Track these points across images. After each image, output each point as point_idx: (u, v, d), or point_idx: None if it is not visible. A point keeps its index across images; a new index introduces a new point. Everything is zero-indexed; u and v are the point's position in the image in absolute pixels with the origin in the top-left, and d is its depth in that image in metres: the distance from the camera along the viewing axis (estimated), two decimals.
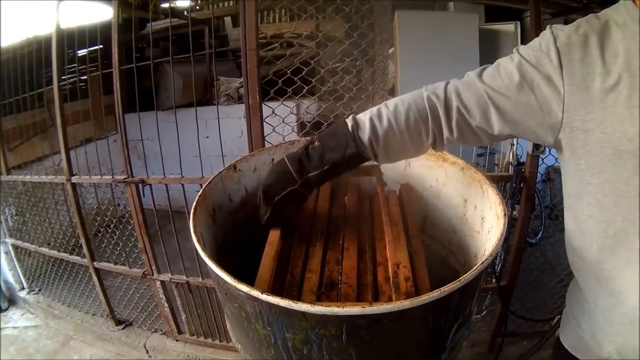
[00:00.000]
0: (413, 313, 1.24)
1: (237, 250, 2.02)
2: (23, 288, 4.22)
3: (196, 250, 1.49)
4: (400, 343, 1.38)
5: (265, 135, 2.55)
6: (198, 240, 1.51)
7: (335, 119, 2.62)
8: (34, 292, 4.08)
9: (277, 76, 2.51)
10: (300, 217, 1.93)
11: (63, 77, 3.36)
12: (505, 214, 1.56)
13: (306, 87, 2.57)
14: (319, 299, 1.53)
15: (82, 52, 3.49)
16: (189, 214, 1.67)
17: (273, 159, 2.08)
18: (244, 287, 1.27)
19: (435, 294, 1.22)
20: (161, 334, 3.31)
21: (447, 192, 1.97)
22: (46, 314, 3.74)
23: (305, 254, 1.73)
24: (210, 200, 1.78)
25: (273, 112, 2.51)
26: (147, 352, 3.24)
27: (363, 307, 1.20)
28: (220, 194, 1.86)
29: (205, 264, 1.44)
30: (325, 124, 2.59)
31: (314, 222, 1.90)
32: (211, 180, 1.80)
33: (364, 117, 1.54)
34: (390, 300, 1.53)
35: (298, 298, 1.53)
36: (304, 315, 1.24)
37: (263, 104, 2.47)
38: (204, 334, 3.13)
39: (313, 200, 2.02)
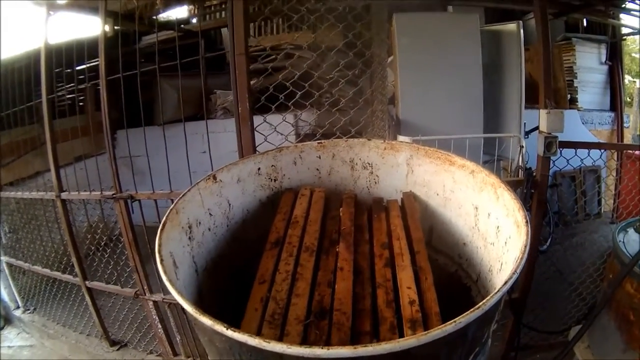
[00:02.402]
0: (421, 351, 0.93)
1: (223, 272, 1.72)
2: (18, 307, 3.98)
3: (158, 274, 1.18)
4: None
5: (257, 145, 2.27)
6: (162, 262, 1.21)
7: (332, 127, 2.34)
8: (29, 311, 3.85)
9: (275, 89, 2.25)
10: (287, 231, 1.62)
11: (59, 93, 3.15)
12: (527, 222, 1.26)
13: (306, 102, 2.30)
14: (305, 329, 1.22)
15: (81, 67, 3.30)
16: None
17: (259, 168, 1.79)
18: (206, 320, 0.98)
19: (449, 327, 0.93)
20: (156, 355, 3.04)
21: (456, 200, 1.67)
22: (41, 334, 3.52)
23: (293, 275, 1.41)
24: (185, 215, 1.49)
25: (264, 120, 2.24)
26: None
27: (355, 349, 0.89)
28: (198, 208, 1.58)
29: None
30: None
31: (303, 237, 1.59)
32: (186, 193, 1.52)
33: None
34: (392, 328, 1.22)
35: (282, 328, 1.23)
36: (281, 356, 0.93)
37: (256, 114, 2.20)
38: (200, 355, 2.84)
39: (304, 212, 1.70)
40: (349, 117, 2.55)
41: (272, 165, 1.82)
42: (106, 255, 3.10)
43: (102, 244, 3.21)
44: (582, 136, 4.51)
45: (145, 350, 3.04)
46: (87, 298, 3.08)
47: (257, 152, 2.23)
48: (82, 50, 2.64)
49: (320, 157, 1.87)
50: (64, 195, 2.87)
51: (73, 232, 2.96)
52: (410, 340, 0.91)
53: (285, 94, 2.41)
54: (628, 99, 5.58)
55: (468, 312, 0.98)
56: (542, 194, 2.22)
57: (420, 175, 1.78)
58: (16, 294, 4.02)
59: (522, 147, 2.68)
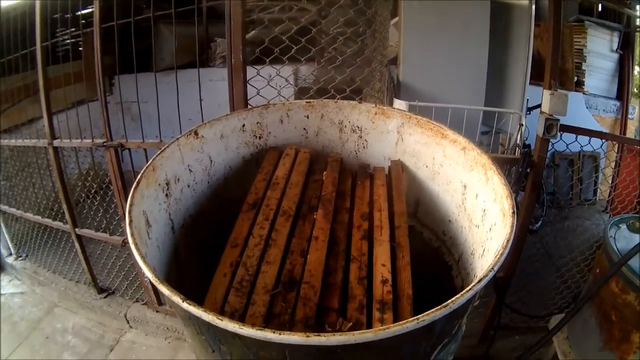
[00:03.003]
0: (380, 343, 0.87)
1: (202, 229, 1.66)
2: (11, 254, 3.97)
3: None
4: None
5: (249, 98, 2.14)
6: (130, 223, 1.13)
7: (329, 83, 2.19)
8: (21, 258, 3.84)
9: (274, 42, 2.08)
10: (267, 192, 1.53)
11: (58, 38, 2.97)
12: (514, 212, 1.17)
13: (305, 56, 2.13)
14: (272, 300, 1.16)
15: (82, 12, 3.10)
16: None
17: (244, 125, 1.68)
18: (165, 290, 0.92)
19: (410, 324, 0.86)
20: (142, 304, 3.06)
21: (445, 175, 1.57)
22: (32, 281, 3.53)
23: (266, 241, 1.34)
24: (163, 172, 1.41)
25: (257, 73, 2.08)
26: (128, 322, 3.00)
27: (307, 337, 0.83)
28: (177, 164, 1.49)
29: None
30: (326, 95, 2.15)
31: (282, 201, 1.50)
32: (164, 149, 1.42)
33: None
34: (361, 308, 1.16)
35: (249, 296, 1.17)
36: (236, 335, 0.88)
37: (254, 68, 2.05)
38: None
39: (286, 173, 1.61)
40: (348, 75, 2.39)
41: (258, 122, 1.71)
42: (96, 203, 3.05)
43: (93, 191, 3.14)
44: (585, 120, 4.30)
45: (132, 299, 3.06)
46: (77, 245, 3.06)
47: (249, 106, 2.10)
48: None
49: (308, 117, 1.75)
50: (56, 142, 2.77)
51: (64, 179, 2.89)
52: (367, 335, 0.84)
53: (281, 48, 2.25)
54: (635, 90, 5.31)
55: (433, 310, 0.91)
56: (538, 176, 2.11)
57: (410, 144, 1.66)
58: (9, 241, 3.99)
59: (522, 125, 2.53)
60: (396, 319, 1.15)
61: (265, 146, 1.75)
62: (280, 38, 2.25)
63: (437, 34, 2.81)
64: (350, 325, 1.12)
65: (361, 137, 1.75)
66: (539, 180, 2.15)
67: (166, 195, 1.44)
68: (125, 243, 2.67)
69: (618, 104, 5.13)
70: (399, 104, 2.51)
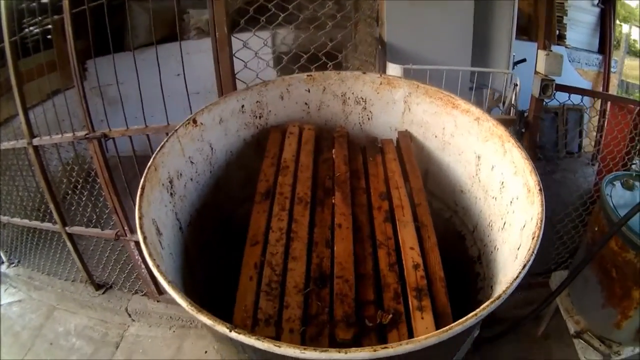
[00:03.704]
0: (443, 343, 0.83)
1: (208, 223, 1.54)
2: (2, 262, 3.70)
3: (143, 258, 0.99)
4: None
5: (236, 72, 1.94)
6: (145, 240, 1.02)
7: (317, 50, 2.02)
8: (13, 265, 3.59)
9: (249, 4, 1.86)
10: (278, 178, 1.42)
11: (25, 30, 2.61)
12: (541, 189, 1.11)
13: (282, 15, 1.91)
14: (306, 299, 1.09)
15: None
16: None
17: (243, 106, 1.54)
18: (206, 320, 0.83)
19: (470, 321, 0.83)
20: (142, 295, 2.94)
21: (456, 145, 1.50)
22: (28, 286, 3.33)
23: (287, 234, 1.25)
24: (165, 170, 1.27)
25: (244, 45, 1.89)
26: (130, 316, 2.89)
27: (374, 351, 0.78)
28: (178, 158, 1.35)
29: None
30: (305, 56, 1.99)
31: (295, 186, 1.40)
32: (164, 144, 1.28)
33: None
34: (397, 297, 1.11)
35: (281, 299, 1.09)
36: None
37: (233, 37, 1.84)
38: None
39: (294, 155, 1.50)
40: (326, 37, 2.20)
41: (257, 102, 1.56)
42: (84, 198, 2.83)
43: (79, 186, 2.90)
44: (569, 74, 4.26)
45: (131, 291, 2.93)
46: (69, 244, 2.86)
47: (241, 86, 1.92)
48: None
49: (309, 91, 1.61)
50: (35, 141, 2.48)
51: (48, 178, 2.63)
52: (431, 339, 0.80)
53: (255, 7, 2.03)
54: (615, 43, 5.29)
55: (487, 303, 0.88)
56: (534, 135, 2.07)
57: (418, 114, 1.57)
58: None
59: (517, 85, 2.46)
60: (433, 304, 1.12)
61: (266, 126, 1.61)
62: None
63: None
64: (390, 317, 1.07)
65: (365, 108, 1.63)
66: (535, 138, 2.12)
67: (171, 194, 1.31)
68: (118, 236, 2.51)
69: (600, 57, 5.12)
70: (392, 68, 2.38)
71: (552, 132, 4.16)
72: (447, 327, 0.80)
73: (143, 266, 2.59)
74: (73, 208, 2.97)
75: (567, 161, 4.14)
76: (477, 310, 0.84)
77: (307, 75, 1.57)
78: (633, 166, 2.47)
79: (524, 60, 3.10)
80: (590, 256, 1.73)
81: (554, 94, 1.95)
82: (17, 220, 3.14)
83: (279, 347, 0.77)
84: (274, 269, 1.15)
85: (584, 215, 2.42)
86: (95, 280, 3.03)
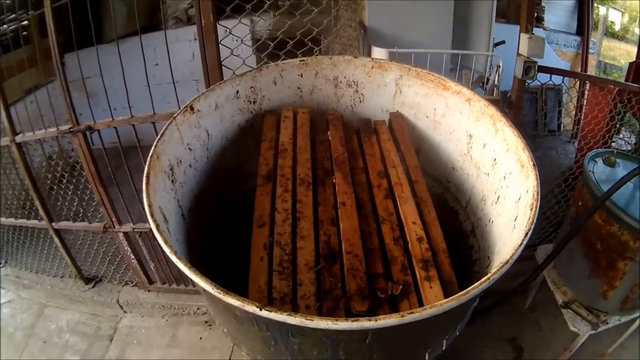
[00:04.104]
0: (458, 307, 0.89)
1: (206, 208, 1.55)
2: None
3: (160, 247, 1.01)
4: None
5: (222, 59, 1.94)
6: (158, 229, 1.04)
7: (302, 36, 2.04)
8: (0, 265, 3.47)
9: None
10: (277, 161, 1.45)
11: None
12: (534, 164, 1.19)
13: (267, 2, 1.92)
14: (317, 276, 1.14)
15: None
16: (143, 154, 1.18)
17: (238, 91, 1.55)
18: (234, 301, 0.86)
19: (484, 284, 0.90)
20: (132, 285, 2.91)
21: (447, 125, 1.57)
22: (17, 286, 3.25)
23: (293, 214, 1.29)
24: (166, 157, 1.29)
25: (229, 32, 1.88)
26: (121, 307, 2.87)
27: (402, 317, 0.83)
28: (178, 145, 1.36)
29: None
30: (291, 42, 2.00)
31: (295, 168, 1.44)
32: (164, 132, 1.29)
33: None
34: (404, 269, 1.17)
35: (294, 277, 1.13)
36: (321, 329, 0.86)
37: (218, 24, 1.84)
38: (175, 280, 2.74)
39: (290, 138, 1.53)
40: (310, 20, 2.23)
41: (251, 87, 1.58)
42: (69, 193, 2.76)
43: (65, 180, 2.83)
44: (547, 55, 4.42)
45: (121, 282, 2.90)
46: (56, 240, 2.79)
47: (227, 73, 1.92)
48: None
49: (302, 76, 1.65)
50: (18, 138, 2.40)
51: (33, 174, 2.55)
52: (451, 302, 0.86)
53: None
54: (593, 25, 5.49)
55: (497, 267, 0.95)
56: (518, 115, 2.18)
57: (409, 96, 1.63)
58: None
59: (499, 67, 2.57)
60: (439, 274, 1.18)
61: (260, 111, 1.64)
62: None
63: None
64: (400, 288, 1.13)
65: (357, 91, 1.68)
66: (519, 118, 2.23)
67: (172, 181, 1.33)
68: (106, 228, 2.47)
69: (578, 39, 5.31)
70: (378, 51, 2.43)
71: (532, 111, 4.33)
72: (465, 291, 0.87)
73: (133, 256, 2.58)
74: (59, 203, 2.91)
75: (548, 139, 4.32)
76: (490, 274, 0.91)
77: (300, 61, 1.60)
78: (613, 144, 2.62)
79: (503, 42, 3.23)
80: (576, 229, 1.84)
81: (536, 75, 2.06)
82: (2, 219, 3.05)
83: (312, 320, 0.81)
84: (284, 248, 1.19)
85: (567, 191, 2.56)
86: (84, 274, 3.01)
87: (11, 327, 2.87)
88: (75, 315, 2.87)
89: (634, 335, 2.21)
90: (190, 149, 1.42)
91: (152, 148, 1.24)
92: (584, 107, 3.33)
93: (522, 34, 2.01)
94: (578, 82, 2.88)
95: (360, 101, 1.71)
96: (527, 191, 1.18)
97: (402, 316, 0.82)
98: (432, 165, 1.69)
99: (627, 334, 2.21)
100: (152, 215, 1.08)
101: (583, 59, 5.17)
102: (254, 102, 1.61)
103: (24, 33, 2.85)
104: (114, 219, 2.43)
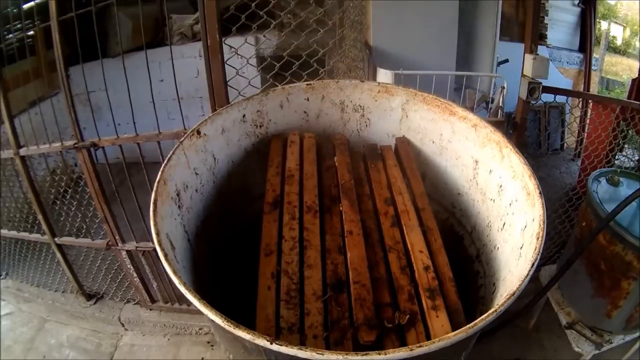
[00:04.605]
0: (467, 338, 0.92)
1: (212, 233, 1.58)
2: None
3: (166, 272, 1.03)
4: None
5: (227, 79, 1.98)
6: (166, 258, 1.06)
7: (308, 56, 2.08)
8: (1, 277, 3.49)
9: (238, 10, 1.90)
10: (284, 187, 1.48)
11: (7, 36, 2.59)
12: (541, 192, 1.22)
13: (273, 22, 1.96)
14: (325, 305, 1.16)
15: (28, 5, 2.68)
16: (146, 170, 1.20)
17: (244, 115, 1.58)
18: (245, 335, 0.88)
19: (491, 316, 0.92)
20: (134, 303, 2.93)
21: (453, 150, 1.60)
22: (17, 299, 3.27)
23: (300, 242, 1.31)
24: (173, 183, 1.31)
25: (235, 52, 1.93)
26: (123, 325, 2.88)
27: (410, 350, 0.85)
28: (184, 170, 1.39)
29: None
30: (297, 62, 2.04)
31: (302, 195, 1.46)
32: (171, 156, 1.31)
33: None
34: (411, 298, 1.19)
35: (301, 306, 1.15)
36: None
37: (228, 44, 1.88)
38: (177, 299, 2.75)
39: (297, 163, 1.56)
40: (309, 41, 2.27)
41: (258, 111, 1.62)
42: (72, 208, 2.80)
43: (68, 196, 2.87)
44: (550, 74, 4.47)
45: (123, 300, 2.92)
46: (58, 255, 2.81)
47: (232, 93, 1.95)
48: None
49: (308, 99, 1.68)
50: (22, 151, 2.43)
51: (36, 188, 2.58)
52: (460, 335, 0.88)
53: (246, 15, 2.07)
54: (595, 40, 5.58)
55: (504, 299, 0.97)
56: (522, 136, 2.22)
57: (415, 121, 1.66)
58: None
59: (504, 88, 2.61)
60: (445, 303, 1.21)
61: (267, 134, 1.67)
62: (244, 5, 2.08)
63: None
64: (407, 317, 1.15)
65: (363, 115, 1.71)
66: (523, 140, 2.26)
67: (179, 207, 1.35)
68: (109, 246, 2.49)
69: (581, 56, 5.39)
70: (384, 73, 2.47)
71: (535, 130, 4.38)
72: (472, 324, 0.89)
73: (135, 275, 2.59)
74: (62, 218, 2.93)
75: (552, 158, 4.36)
76: (497, 306, 0.93)
77: (307, 84, 1.64)
78: (616, 161, 2.65)
79: (506, 60, 3.28)
80: (580, 250, 1.87)
81: (541, 96, 2.10)
82: (4, 231, 3.07)
83: (322, 354, 0.83)
84: (291, 277, 1.21)
85: (570, 211, 2.58)
86: (86, 290, 3.02)
87: (10, 339, 2.88)
88: (75, 331, 2.88)
89: (638, 353, 2.24)
90: (196, 173, 1.45)
91: (159, 173, 1.26)
92: (587, 126, 3.37)
93: (526, 55, 2.05)
94: (581, 101, 2.93)
95: (367, 126, 1.75)
96: (534, 220, 1.20)
97: (411, 349, 0.84)
98: (438, 190, 1.72)
99: (631, 352, 2.22)
100: (159, 244, 1.10)
101: (586, 76, 5.24)
102: (261, 126, 1.64)
103: (30, 43, 2.89)
104: (117, 237, 2.45)
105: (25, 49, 2.53)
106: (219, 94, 1.99)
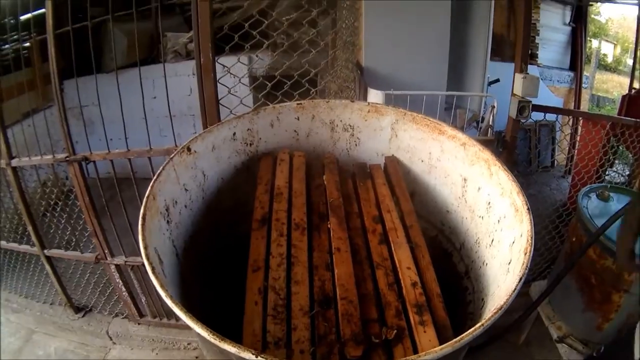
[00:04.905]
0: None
1: (201, 248, 1.59)
2: None
3: (154, 286, 1.04)
4: None
5: (219, 98, 2.03)
6: (153, 271, 1.07)
7: (299, 76, 2.13)
8: None
9: (231, 29, 1.97)
10: (273, 205, 1.50)
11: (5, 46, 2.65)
12: (529, 208, 1.25)
13: (265, 42, 2.02)
14: (312, 321, 1.17)
15: (25, 17, 2.75)
16: (137, 185, 1.22)
17: (234, 133, 1.62)
18: (230, 348, 0.89)
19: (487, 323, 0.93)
20: (122, 317, 2.93)
21: (442, 169, 1.64)
22: (5, 309, 3.28)
23: (288, 258, 1.33)
24: (162, 198, 1.33)
25: (228, 71, 1.98)
26: (111, 339, 2.87)
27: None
28: (174, 186, 1.41)
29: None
30: (289, 82, 2.09)
31: (290, 212, 1.49)
32: (161, 172, 1.34)
33: None
34: (398, 314, 1.21)
35: (288, 322, 1.17)
36: None
37: (221, 63, 1.94)
38: (166, 314, 2.76)
39: (286, 182, 1.59)
40: (302, 61, 2.33)
41: (248, 129, 1.65)
42: (62, 221, 2.82)
43: (58, 209, 2.88)
44: (541, 92, 4.60)
45: (111, 314, 2.92)
46: (47, 267, 2.83)
47: (224, 111, 2.00)
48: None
49: (299, 119, 1.72)
50: (14, 162, 2.46)
51: (27, 199, 2.61)
52: (446, 349, 0.91)
53: (240, 34, 2.14)
54: (586, 59, 5.75)
55: (492, 314, 0.99)
56: (512, 154, 2.27)
57: (405, 140, 1.71)
58: None
59: (494, 107, 2.68)
60: (433, 319, 1.22)
61: (257, 153, 1.70)
62: (238, 25, 2.14)
63: (398, 17, 2.82)
64: (394, 332, 1.17)
65: (353, 135, 1.75)
66: (513, 159, 2.31)
67: (167, 222, 1.37)
68: (98, 259, 2.50)
69: (572, 74, 5.52)
70: (374, 94, 2.53)
71: (526, 148, 4.45)
72: (459, 337, 0.91)
73: (124, 289, 2.60)
74: (52, 230, 2.95)
75: (542, 176, 4.43)
76: (484, 320, 0.95)
77: (297, 104, 1.68)
78: (606, 177, 2.71)
79: (497, 80, 3.36)
80: (571, 265, 1.90)
81: (530, 114, 2.16)
82: None
83: None
84: (278, 293, 1.23)
85: (560, 227, 2.62)
86: (74, 303, 3.03)
87: None
88: (63, 343, 2.88)
89: None
90: (186, 189, 1.48)
91: (149, 189, 1.29)
92: (577, 143, 3.44)
93: (516, 74, 2.11)
94: (571, 119, 3.00)
95: (356, 145, 1.78)
96: (522, 235, 1.23)
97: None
98: (427, 208, 1.75)
99: None
100: (147, 258, 1.12)
101: (576, 94, 5.36)
102: (251, 144, 1.68)
103: (25, 54, 2.93)
104: (106, 251, 2.47)
105: (20, 60, 2.58)
106: (210, 112, 2.03)
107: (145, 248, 1.14)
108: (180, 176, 1.44)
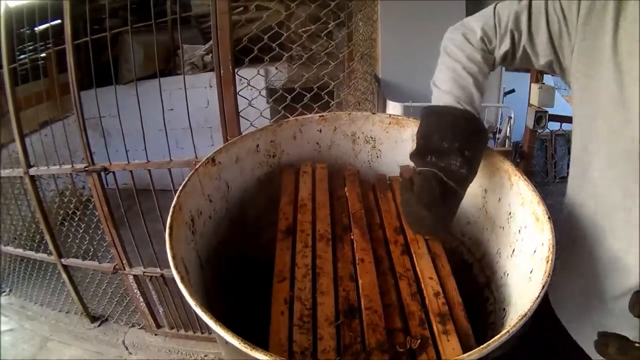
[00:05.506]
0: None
1: (223, 259, 1.65)
2: None
3: (180, 295, 1.09)
4: None
5: (239, 110, 2.10)
6: (182, 280, 1.12)
7: (318, 89, 2.20)
8: (5, 294, 3.61)
9: (250, 42, 2.05)
10: (297, 216, 1.56)
11: (21, 57, 2.77)
12: (549, 217, 1.28)
13: (285, 54, 2.11)
14: (338, 330, 1.21)
15: (42, 27, 2.89)
16: (157, 197, 1.28)
17: (258, 145, 1.68)
18: (262, 356, 0.93)
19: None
20: (139, 328, 3.00)
21: None
22: (20, 316, 3.36)
23: (313, 269, 1.38)
24: (187, 209, 1.39)
25: (248, 83, 2.06)
26: (127, 349, 2.92)
27: None
28: (199, 197, 1.47)
29: None
30: (308, 95, 2.17)
31: (315, 223, 1.54)
32: (186, 183, 1.40)
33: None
34: (422, 323, 1.25)
35: (314, 331, 1.21)
36: None
37: (240, 75, 2.02)
38: (183, 326, 2.82)
39: (310, 193, 1.64)
40: (318, 73, 2.40)
41: (272, 141, 1.72)
42: (80, 230, 2.90)
43: (76, 217, 2.97)
44: (556, 101, 4.65)
45: (128, 324, 2.99)
46: (64, 276, 2.92)
47: (243, 123, 2.08)
48: (44, 10, 2.24)
49: (321, 131, 1.78)
50: (32, 171, 2.57)
51: (44, 208, 2.71)
52: (473, 356, 0.94)
53: (258, 47, 2.22)
54: None
55: (516, 321, 1.02)
56: (529, 165, 2.31)
57: None
58: None
59: (511, 117, 2.72)
60: (455, 327, 1.26)
61: (279, 165, 1.76)
62: (254, 36, 2.23)
63: (415, 29, 2.89)
64: (418, 342, 1.21)
65: (375, 147, 1.81)
66: (531, 169, 2.35)
67: (192, 232, 1.43)
68: (116, 270, 2.58)
69: None
70: (393, 105, 2.59)
71: (542, 159, 4.46)
72: (486, 344, 0.94)
73: (141, 299, 2.66)
74: (69, 239, 3.03)
75: (558, 186, 4.41)
76: (509, 327, 0.98)
77: (320, 116, 1.74)
78: None
79: (512, 90, 3.40)
80: None
81: (547, 124, 2.19)
82: (10, 249, 3.20)
83: None
84: (304, 303, 1.27)
85: None
86: (90, 312, 3.10)
87: (11, 355, 2.95)
88: (78, 352, 2.95)
89: None
90: (210, 200, 1.54)
91: (175, 199, 1.35)
92: None
93: (532, 84, 2.16)
94: None
95: (378, 157, 1.84)
96: (543, 244, 1.26)
97: None
98: None
99: None
100: (176, 267, 1.17)
101: None
102: (274, 156, 1.74)
103: (43, 64, 3.04)
104: (124, 261, 2.54)
105: (38, 69, 2.70)
106: (231, 124, 2.11)
107: (174, 258, 1.19)
108: (205, 187, 1.50)
